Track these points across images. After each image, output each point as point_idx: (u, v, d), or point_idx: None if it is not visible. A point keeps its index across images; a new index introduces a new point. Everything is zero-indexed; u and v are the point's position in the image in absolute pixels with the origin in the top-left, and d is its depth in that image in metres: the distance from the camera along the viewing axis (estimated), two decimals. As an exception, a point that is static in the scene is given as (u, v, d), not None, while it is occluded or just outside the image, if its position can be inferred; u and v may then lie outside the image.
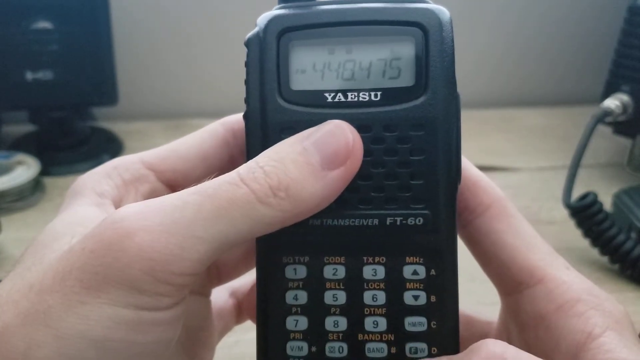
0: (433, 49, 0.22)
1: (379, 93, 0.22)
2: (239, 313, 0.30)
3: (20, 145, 0.67)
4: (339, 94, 0.23)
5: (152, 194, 0.26)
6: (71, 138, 0.68)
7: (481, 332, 0.27)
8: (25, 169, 0.59)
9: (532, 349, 0.23)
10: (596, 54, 0.80)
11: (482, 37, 0.79)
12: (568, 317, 0.22)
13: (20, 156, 0.61)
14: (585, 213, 0.48)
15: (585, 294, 0.22)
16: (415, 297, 0.23)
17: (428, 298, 0.23)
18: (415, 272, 0.23)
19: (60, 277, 0.19)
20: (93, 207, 0.23)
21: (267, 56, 0.23)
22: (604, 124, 0.56)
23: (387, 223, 0.22)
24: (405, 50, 0.23)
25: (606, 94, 0.57)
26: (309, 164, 0.20)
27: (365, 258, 0.23)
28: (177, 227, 0.19)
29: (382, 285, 0.23)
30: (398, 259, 0.23)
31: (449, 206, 0.23)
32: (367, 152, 0.22)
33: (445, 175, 0.23)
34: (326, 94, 0.23)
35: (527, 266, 0.24)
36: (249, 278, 0.30)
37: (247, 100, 0.23)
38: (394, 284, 0.23)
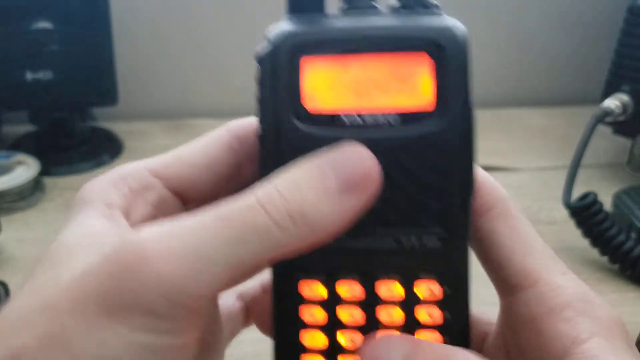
0: (450, 69, 0.22)
1: (397, 116, 0.22)
2: (246, 316, 0.30)
3: (20, 145, 0.67)
4: (356, 116, 0.22)
5: (160, 203, 0.26)
6: (71, 138, 0.68)
7: (482, 333, 0.27)
8: (25, 169, 0.59)
9: (524, 352, 0.23)
10: (596, 54, 0.80)
11: (482, 37, 0.79)
12: (556, 321, 0.22)
13: (20, 156, 0.61)
14: (585, 213, 0.48)
15: (576, 299, 0.22)
16: (430, 314, 0.23)
17: (442, 315, 0.23)
18: (429, 290, 0.23)
19: (78, 300, 0.19)
20: (103, 218, 0.23)
21: (280, 74, 0.22)
22: (604, 124, 0.56)
23: (403, 244, 0.22)
24: (422, 69, 0.22)
25: (606, 94, 0.57)
26: (325, 188, 0.20)
27: (380, 276, 0.23)
28: (195, 252, 0.19)
29: (396, 303, 0.23)
30: (413, 278, 0.23)
31: (464, 225, 0.23)
32: (384, 174, 0.21)
33: (462, 196, 0.22)
34: (342, 116, 0.22)
35: (522, 269, 0.24)
36: (255, 281, 0.30)
37: (260, 119, 0.23)
38: (409, 302, 0.23)
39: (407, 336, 0.22)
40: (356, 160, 0.21)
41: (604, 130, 0.59)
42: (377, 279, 0.23)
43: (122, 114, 0.73)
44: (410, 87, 0.22)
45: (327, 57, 0.22)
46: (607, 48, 0.62)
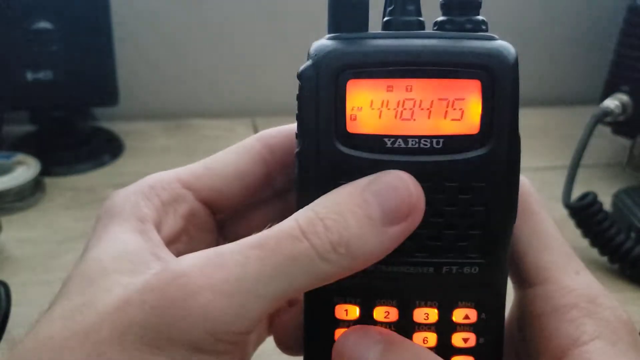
0: (499, 95, 0.21)
1: (441, 140, 0.21)
2: (270, 323, 0.30)
3: (21, 145, 0.67)
4: (399, 140, 0.21)
5: (191, 215, 0.25)
6: (71, 138, 0.68)
7: None
8: (25, 169, 0.59)
9: (527, 348, 0.23)
10: (596, 54, 0.80)
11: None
12: (560, 321, 0.22)
13: (21, 156, 0.61)
14: (584, 213, 0.48)
15: (584, 301, 0.22)
16: (465, 340, 0.23)
17: (477, 340, 0.23)
18: (466, 317, 0.23)
19: (120, 331, 0.19)
20: (136, 234, 0.22)
21: (323, 95, 0.21)
22: (604, 124, 0.56)
23: (442, 271, 0.22)
24: (470, 93, 0.21)
25: (606, 94, 0.57)
26: (369, 218, 0.20)
27: (418, 303, 0.23)
28: (240, 286, 0.19)
29: (432, 328, 0.23)
30: (450, 304, 0.23)
31: (504, 252, 0.23)
32: (426, 201, 0.21)
33: (503, 224, 0.22)
34: (385, 139, 0.21)
35: (535, 265, 0.23)
36: None
37: (299, 138, 0.22)
38: (444, 327, 0.23)
39: (380, 333, 0.22)
40: (402, 191, 0.20)
41: (603, 130, 0.59)
42: (415, 305, 0.23)
43: (122, 114, 0.73)
44: (456, 111, 0.21)
45: (373, 80, 0.21)
46: (607, 48, 0.63)
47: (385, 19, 0.22)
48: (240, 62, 0.79)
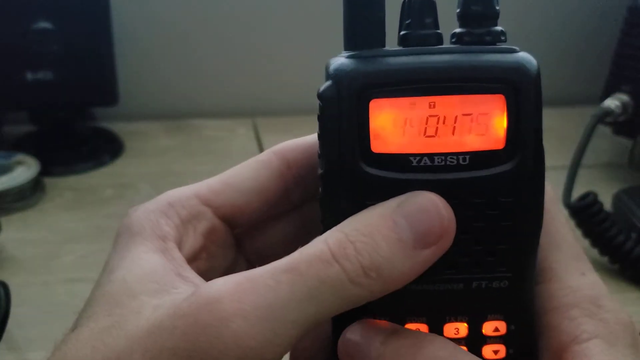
0: (524, 109, 0.21)
1: (467, 157, 0.21)
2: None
3: (20, 145, 0.67)
4: (425, 158, 0.21)
5: (211, 232, 0.25)
6: (71, 138, 0.68)
7: None
8: (25, 169, 0.59)
9: None
10: (596, 54, 0.80)
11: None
12: (561, 319, 0.22)
13: (20, 156, 0.61)
14: (585, 213, 0.48)
15: (586, 301, 0.22)
16: (495, 352, 0.23)
17: (507, 351, 0.23)
18: (496, 329, 0.23)
19: (150, 356, 0.19)
20: (159, 254, 0.22)
21: (345, 115, 0.21)
22: (604, 124, 0.56)
23: (472, 287, 0.22)
24: (494, 108, 0.21)
25: (606, 94, 0.57)
26: (401, 241, 0.20)
27: (448, 319, 0.23)
28: (272, 312, 0.19)
29: (462, 342, 0.23)
30: (480, 319, 0.23)
31: (532, 265, 0.22)
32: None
33: (530, 237, 0.22)
34: (411, 158, 0.21)
35: (541, 264, 0.23)
36: None
37: (323, 159, 0.22)
38: (475, 340, 0.23)
39: (381, 325, 0.22)
40: (434, 214, 0.20)
41: (604, 130, 0.59)
42: (444, 321, 0.23)
43: (122, 114, 0.73)
44: (481, 127, 0.21)
45: (396, 99, 0.21)
46: (607, 48, 0.62)
47: (402, 32, 0.22)
48: (241, 62, 0.79)
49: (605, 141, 0.67)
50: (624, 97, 0.55)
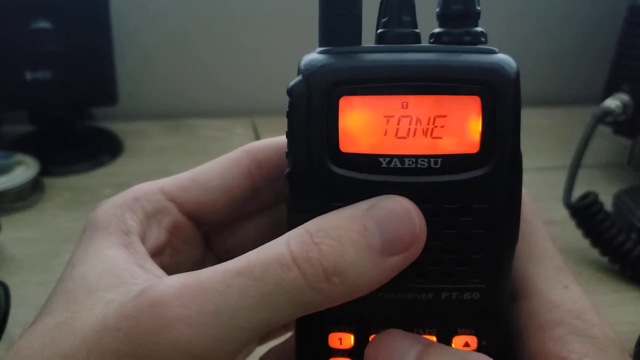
0: (500, 111, 0.20)
1: (439, 160, 0.20)
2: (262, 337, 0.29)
3: (20, 145, 0.67)
4: (395, 159, 0.20)
5: (175, 228, 0.25)
6: (71, 138, 0.68)
7: None
8: (24, 169, 0.59)
9: None
10: (596, 54, 0.80)
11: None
12: (545, 338, 0.21)
13: (20, 156, 0.61)
14: (585, 213, 0.48)
15: (571, 317, 0.21)
16: None
17: None
18: (466, 344, 0.22)
19: (94, 356, 0.18)
20: (122, 248, 0.22)
21: (314, 113, 0.20)
22: (604, 124, 0.56)
23: (442, 297, 0.21)
24: (469, 110, 0.20)
25: (606, 94, 0.57)
26: (369, 247, 0.19)
27: (415, 329, 0.22)
28: (219, 318, 0.18)
29: None
30: (449, 330, 0.22)
31: (506, 277, 0.22)
32: None
33: (504, 247, 0.21)
34: (380, 159, 0.20)
35: (522, 278, 0.23)
36: None
37: (290, 157, 0.21)
38: None
39: (417, 336, 0.21)
40: (405, 220, 0.19)
41: (604, 130, 0.59)
42: (412, 332, 0.21)
43: (122, 114, 0.73)
44: (455, 129, 0.20)
45: (367, 97, 0.20)
46: (607, 48, 0.62)
47: (379, 30, 0.21)
48: (240, 62, 0.79)
49: (605, 141, 0.67)
50: (624, 97, 0.55)
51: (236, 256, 0.29)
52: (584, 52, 0.84)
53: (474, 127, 0.20)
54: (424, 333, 0.22)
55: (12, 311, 0.37)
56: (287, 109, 0.21)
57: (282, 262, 0.18)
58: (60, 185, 0.61)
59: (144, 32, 0.76)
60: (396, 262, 0.19)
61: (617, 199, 0.52)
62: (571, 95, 0.84)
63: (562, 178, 0.50)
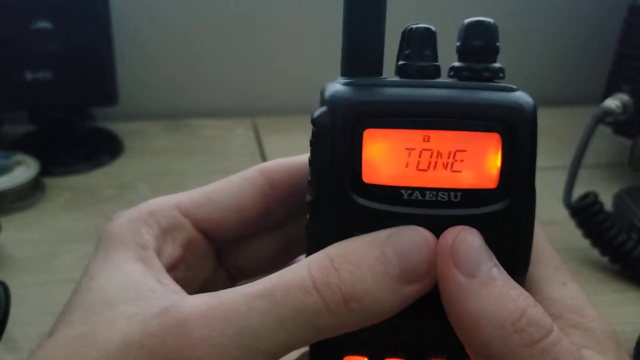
0: (518, 149, 0.20)
1: (459, 194, 0.21)
2: None
3: (20, 145, 0.67)
4: (416, 192, 0.21)
5: (189, 243, 0.25)
6: (71, 138, 0.68)
7: None
8: (25, 169, 0.59)
9: None
10: (596, 54, 0.80)
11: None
12: None
13: (20, 156, 0.61)
14: (585, 213, 0.48)
15: (569, 312, 0.22)
16: None
17: None
18: None
19: None
20: (139, 263, 0.22)
21: (338, 143, 0.20)
22: (604, 124, 0.56)
23: None
24: (489, 146, 0.20)
25: (606, 94, 0.57)
26: (386, 274, 0.19)
27: (427, 356, 0.22)
28: (241, 340, 0.18)
29: None
30: (462, 356, 0.22)
31: None
32: None
33: (518, 279, 0.21)
34: (402, 191, 0.21)
35: None
36: None
37: (312, 185, 0.21)
38: None
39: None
40: (423, 250, 0.20)
41: (604, 130, 0.59)
42: (425, 359, 0.22)
43: (122, 114, 0.73)
44: (474, 164, 0.21)
45: (390, 130, 0.20)
46: (607, 48, 0.62)
47: (400, 63, 0.22)
48: (240, 62, 0.79)
49: (605, 141, 0.67)
50: (624, 97, 0.55)
51: (246, 271, 0.29)
52: (584, 52, 0.84)
53: (493, 163, 0.21)
54: (437, 358, 0.22)
55: (13, 311, 0.37)
56: (311, 138, 0.21)
57: (303, 287, 0.19)
58: (61, 186, 0.61)
59: (144, 32, 0.76)
60: (413, 291, 0.20)
61: (617, 199, 0.52)
62: (571, 95, 0.84)
63: (562, 178, 0.50)
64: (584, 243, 0.49)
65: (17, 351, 0.38)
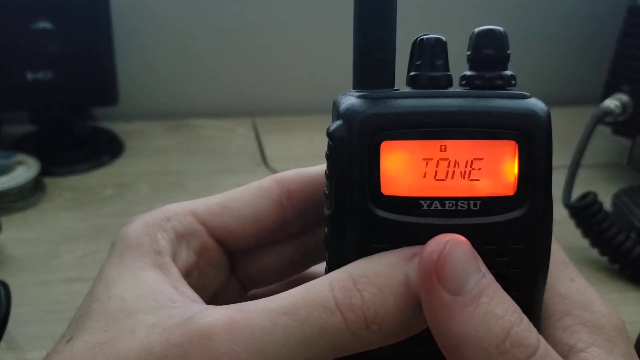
0: (535, 155, 0.20)
1: (478, 202, 0.21)
2: None
3: (20, 145, 0.67)
4: (436, 202, 0.21)
5: (204, 250, 0.25)
6: (71, 138, 0.68)
7: None
8: (25, 169, 0.59)
9: None
10: (596, 54, 0.80)
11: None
12: (554, 328, 0.22)
13: (20, 156, 0.61)
14: (585, 213, 0.48)
15: (578, 308, 0.22)
16: None
17: None
18: None
19: None
20: (156, 269, 0.22)
21: (356, 156, 0.20)
22: (604, 124, 0.56)
23: None
24: (506, 154, 0.21)
25: (606, 94, 0.57)
26: (409, 299, 0.19)
27: None
28: (263, 356, 0.18)
29: None
30: None
31: (539, 312, 0.22)
32: None
33: (539, 285, 0.22)
34: (421, 201, 0.21)
35: None
36: None
37: (331, 199, 0.21)
38: None
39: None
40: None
41: (603, 130, 0.59)
42: None
43: (122, 114, 0.73)
44: (492, 172, 0.21)
45: (407, 141, 0.21)
46: (607, 48, 0.62)
47: (412, 73, 0.22)
48: (240, 62, 0.79)
49: (605, 141, 0.67)
50: (624, 97, 0.55)
51: (259, 281, 0.29)
52: (584, 52, 0.84)
53: (510, 170, 0.21)
54: None
55: (13, 311, 0.37)
56: (327, 151, 0.21)
57: (326, 307, 0.19)
58: (61, 185, 0.61)
59: (144, 32, 0.76)
60: None
61: (617, 198, 0.52)
62: (571, 95, 0.84)
63: (561, 178, 0.50)
64: (584, 243, 0.49)
65: (18, 351, 0.38)
